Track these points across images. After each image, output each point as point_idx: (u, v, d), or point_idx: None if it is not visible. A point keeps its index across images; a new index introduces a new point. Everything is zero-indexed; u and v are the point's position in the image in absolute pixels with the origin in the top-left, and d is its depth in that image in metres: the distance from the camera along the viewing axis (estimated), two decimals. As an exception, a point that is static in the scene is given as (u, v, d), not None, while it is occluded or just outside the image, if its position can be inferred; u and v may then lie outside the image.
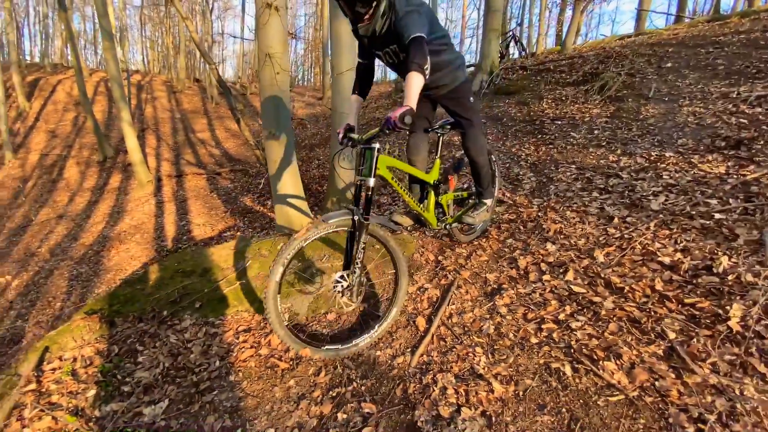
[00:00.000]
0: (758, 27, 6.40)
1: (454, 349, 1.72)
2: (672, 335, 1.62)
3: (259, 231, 5.21)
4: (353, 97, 2.03)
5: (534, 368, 1.58)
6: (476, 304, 1.98)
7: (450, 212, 2.42)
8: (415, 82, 1.54)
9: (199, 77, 20.65)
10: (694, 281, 1.88)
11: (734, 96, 4.20)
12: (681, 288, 1.87)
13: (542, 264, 2.21)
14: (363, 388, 1.62)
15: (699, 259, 2.00)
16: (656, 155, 3.45)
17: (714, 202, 2.51)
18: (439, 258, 2.45)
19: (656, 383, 1.43)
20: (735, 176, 2.78)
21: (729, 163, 3.00)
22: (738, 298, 1.69)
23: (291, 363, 1.83)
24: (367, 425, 1.44)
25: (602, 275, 2.02)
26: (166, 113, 16.23)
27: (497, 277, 2.18)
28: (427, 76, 1.58)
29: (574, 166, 3.69)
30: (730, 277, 1.82)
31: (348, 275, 1.76)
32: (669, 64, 5.58)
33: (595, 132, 4.38)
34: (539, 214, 2.86)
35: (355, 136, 1.82)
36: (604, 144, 4.03)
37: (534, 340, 1.70)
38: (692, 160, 3.21)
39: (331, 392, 1.63)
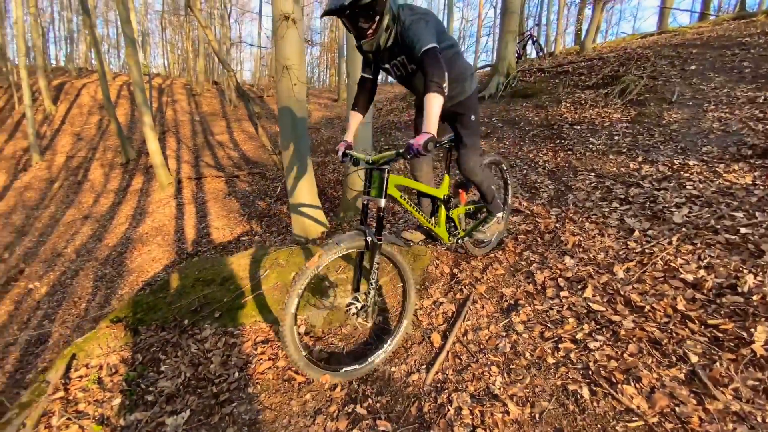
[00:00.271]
0: (790, 25, 6.15)
1: (470, 368, 1.72)
2: (694, 358, 1.58)
3: (276, 236, 5.29)
4: (352, 113, 1.99)
5: (551, 390, 1.56)
6: (492, 321, 1.97)
7: (462, 226, 2.40)
8: (435, 103, 1.49)
9: (217, 80, 21.03)
10: (718, 301, 1.83)
11: (761, 101, 4.05)
12: (704, 308, 1.82)
13: (560, 279, 2.18)
14: (378, 405, 1.64)
15: (723, 277, 1.95)
16: (679, 163, 3.35)
17: (740, 215, 2.43)
18: (454, 271, 2.44)
19: (677, 409, 1.40)
20: (762, 187, 2.69)
21: (756, 173, 2.90)
22: (763, 320, 1.64)
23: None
24: (382, 444, 1.45)
25: (622, 292, 1.98)
26: (186, 116, 16.60)
27: (514, 292, 2.16)
28: (446, 93, 1.54)
29: (593, 174, 3.63)
30: (755, 297, 1.76)
31: (362, 296, 1.76)
32: (693, 67, 5.41)
33: (616, 138, 4.29)
34: (557, 225, 2.82)
35: (358, 154, 1.79)
36: (624, 151, 3.94)
37: (551, 360, 1.69)
38: (717, 169, 3.12)
39: (346, 408, 1.65)
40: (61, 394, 1.94)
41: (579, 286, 2.10)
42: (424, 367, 1.79)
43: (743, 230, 2.26)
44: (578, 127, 4.88)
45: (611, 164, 3.74)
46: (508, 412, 1.49)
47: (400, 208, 4.19)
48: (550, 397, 1.53)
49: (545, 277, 2.23)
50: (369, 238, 1.69)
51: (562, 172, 3.87)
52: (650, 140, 4.02)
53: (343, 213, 4.17)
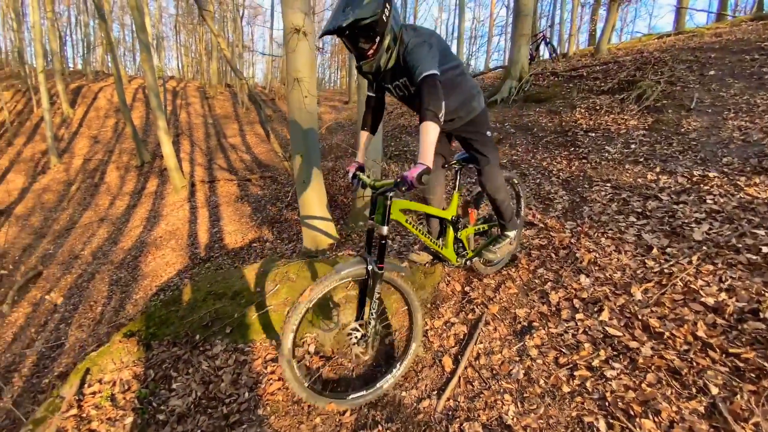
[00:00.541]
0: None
1: (482, 395, 1.69)
2: (715, 390, 1.53)
3: (287, 243, 5.31)
4: (362, 132, 1.95)
5: (566, 421, 1.52)
6: (505, 344, 1.93)
7: (471, 247, 2.35)
8: (431, 133, 1.44)
9: (230, 82, 21.25)
10: (739, 327, 1.76)
11: (786, 108, 3.91)
12: (725, 334, 1.75)
13: (575, 300, 2.13)
14: None
15: (745, 301, 1.88)
16: (699, 175, 3.26)
17: (762, 233, 2.34)
18: (466, 289, 2.41)
19: (698, 446, 1.35)
20: (788, 204, 2.59)
21: (780, 188, 2.79)
22: (787, 349, 1.57)
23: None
24: (392, 474, 1.43)
25: (640, 316, 1.92)
26: (199, 119, 16.82)
27: (527, 313, 2.12)
28: (443, 123, 1.50)
29: (609, 185, 3.54)
30: (778, 325, 1.69)
31: (363, 326, 1.72)
32: (712, 72, 5.26)
33: (632, 146, 4.19)
34: (572, 240, 2.76)
35: (365, 178, 1.77)
36: (641, 160, 3.85)
37: (566, 389, 1.64)
38: (738, 182, 3.02)
39: (356, 434, 1.64)
40: (74, 411, 1.97)
41: (595, 308, 2.04)
42: (435, 392, 1.76)
43: (765, 249, 2.18)
44: (593, 134, 4.78)
45: (628, 174, 3.65)
46: (521, 445, 1.45)
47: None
48: (565, 429, 1.49)
49: (560, 298, 2.18)
50: (370, 267, 1.65)
51: (576, 182, 3.80)
52: (668, 149, 3.91)
53: (353, 222, 4.16)
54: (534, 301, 2.21)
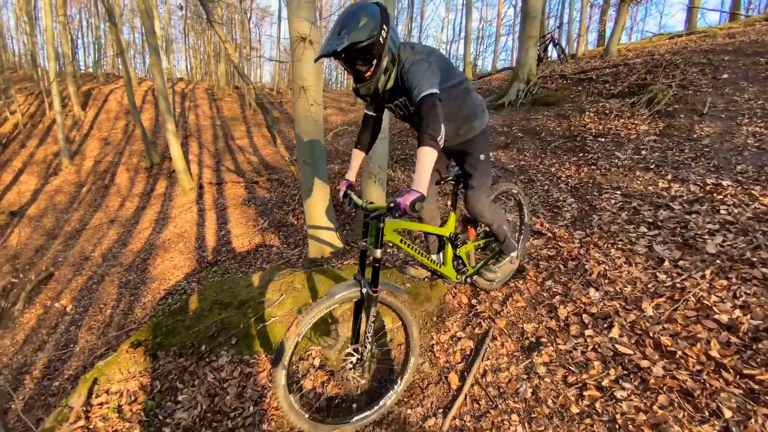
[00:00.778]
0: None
1: (489, 414, 1.66)
2: (728, 413, 1.48)
3: (293, 248, 5.32)
4: (355, 151, 1.89)
5: (575, 444, 1.49)
6: (512, 361, 1.90)
7: (471, 263, 2.29)
8: (428, 158, 1.40)
9: (238, 84, 21.39)
10: (754, 346, 1.71)
11: (804, 114, 3.82)
12: (739, 354, 1.70)
13: (584, 315, 2.09)
14: (393, 451, 1.60)
15: (760, 319, 1.83)
16: (712, 184, 3.19)
17: (779, 246, 2.28)
18: (473, 302, 2.38)
19: (713, 474, 1.31)
20: (806, 215, 2.52)
21: (797, 198, 2.72)
22: (804, 372, 1.53)
23: (319, 408, 1.84)
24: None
25: (651, 333, 1.88)
26: (208, 120, 16.97)
27: (535, 328, 2.08)
28: (441, 145, 1.45)
29: (619, 193, 3.49)
30: (794, 345, 1.64)
31: (358, 349, 1.68)
32: (725, 75, 5.15)
33: (643, 152, 4.12)
34: (581, 251, 2.72)
35: (357, 199, 1.72)
36: (652, 167, 3.78)
37: (575, 410, 1.61)
38: (752, 191, 2.94)
39: (361, 452, 1.62)
40: (82, 423, 1.98)
41: (605, 324, 2.00)
42: (441, 411, 1.74)
43: (782, 264, 2.12)
44: (603, 140, 4.71)
45: (638, 182, 3.59)
46: (529, 469, 1.42)
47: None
48: (574, 452, 1.46)
49: (569, 312, 2.14)
50: (364, 290, 1.60)
51: (585, 189, 3.74)
52: (680, 156, 3.84)
53: (359, 229, 4.15)
54: (542, 315, 2.17)
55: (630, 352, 1.81)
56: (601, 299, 2.18)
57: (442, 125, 1.44)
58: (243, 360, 2.28)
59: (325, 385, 1.98)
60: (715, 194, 3.03)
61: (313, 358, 2.15)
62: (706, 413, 1.51)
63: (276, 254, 5.46)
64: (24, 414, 3.92)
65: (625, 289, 2.23)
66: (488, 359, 1.95)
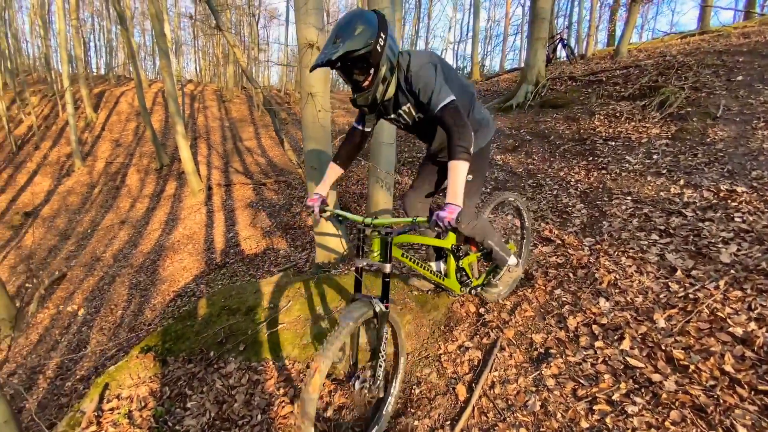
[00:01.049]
0: None
1: (497, 427, 1.65)
2: (742, 431, 1.45)
3: (301, 251, 5.34)
4: (333, 165, 1.80)
5: (584, 460, 1.47)
6: (521, 373, 1.89)
7: (474, 274, 2.27)
8: (462, 172, 1.38)
9: (246, 85, 21.54)
10: (770, 362, 1.67)
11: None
12: (755, 369, 1.67)
13: (594, 326, 2.06)
14: (401, 463, 1.60)
15: (777, 333, 1.79)
16: (726, 190, 3.13)
17: (797, 256, 2.23)
18: (481, 311, 2.36)
19: (727, 495, 1.28)
20: (824, 224, 2.46)
21: (815, 206, 2.66)
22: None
23: (328, 425, 1.84)
24: None
25: (663, 346, 1.85)
26: (216, 122, 17.11)
27: (544, 338, 2.06)
28: (439, 151, 1.44)
29: (629, 198, 3.44)
30: (811, 361, 1.60)
31: (368, 371, 1.62)
32: (740, 77, 5.05)
33: (654, 156, 4.06)
34: (591, 259, 2.69)
35: (354, 216, 1.61)
36: (664, 172, 3.72)
37: (585, 425, 1.59)
38: (769, 198, 2.88)
39: (368, 464, 1.62)
40: (94, 428, 2.01)
41: (615, 336, 1.98)
42: (449, 423, 1.73)
43: (800, 275, 2.07)
44: (613, 143, 4.66)
45: (649, 187, 3.54)
46: (537, 485, 1.41)
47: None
48: (584, 469, 1.44)
49: (578, 323, 2.11)
50: (378, 308, 1.54)
51: (595, 195, 3.70)
52: (693, 161, 3.77)
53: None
54: (551, 325, 2.15)
55: (641, 365, 1.78)
56: (612, 309, 2.16)
57: (472, 133, 1.41)
58: (251, 367, 2.29)
59: (333, 394, 1.99)
60: (729, 201, 2.98)
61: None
62: (720, 430, 1.47)
63: (284, 257, 5.49)
64: (37, 413, 3.99)
65: (636, 299, 2.20)
66: (496, 370, 1.93)
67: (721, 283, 2.15)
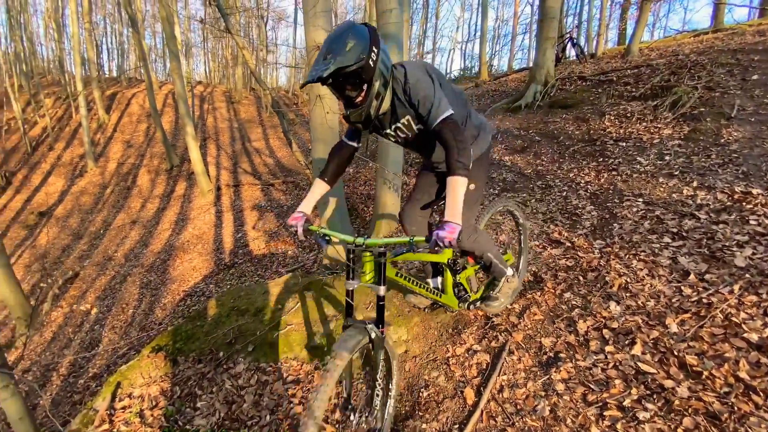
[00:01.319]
0: None
1: (506, 432, 1.64)
2: (758, 440, 1.43)
3: (308, 252, 5.36)
4: (318, 181, 1.71)
5: (595, 467, 1.45)
6: (530, 377, 1.87)
7: (473, 287, 2.22)
8: (461, 188, 1.34)
9: (254, 86, 21.72)
10: (787, 368, 1.64)
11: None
12: (771, 376, 1.63)
13: (605, 330, 2.04)
14: (409, 466, 1.59)
15: (794, 339, 1.75)
16: (741, 192, 3.07)
17: (815, 260, 2.18)
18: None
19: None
20: (843, 227, 2.40)
21: (834, 209, 2.59)
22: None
23: (337, 427, 1.85)
24: None
25: (675, 352, 1.82)
26: (225, 123, 17.27)
27: (553, 342, 2.04)
28: (437, 163, 1.39)
29: (641, 200, 3.39)
30: (830, 369, 1.56)
31: (364, 407, 1.55)
32: (755, 77, 4.95)
33: (666, 158, 4.00)
34: (601, 261, 2.66)
35: (344, 236, 1.51)
36: (676, 173, 3.66)
37: (595, 430, 1.57)
38: (786, 200, 2.82)
39: (376, 466, 1.62)
40: (106, 426, 2.04)
41: (626, 341, 1.95)
42: (457, 426, 1.72)
43: (818, 280, 2.02)
44: (624, 144, 4.60)
45: (661, 189, 3.48)
46: (547, 491, 1.40)
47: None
48: (594, 476, 1.43)
49: (588, 327, 2.09)
50: (373, 335, 1.46)
51: (606, 196, 3.66)
52: (706, 162, 3.71)
53: (375, 234, 4.15)
54: (561, 329, 2.13)
55: (653, 370, 1.76)
56: (623, 313, 2.13)
57: (471, 149, 1.38)
58: (260, 368, 2.31)
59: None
60: (744, 203, 2.92)
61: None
62: (735, 438, 1.45)
63: (291, 258, 5.52)
64: (51, 410, 4.07)
65: (647, 303, 2.17)
66: (505, 374, 1.92)
67: (736, 287, 2.11)
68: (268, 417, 1.98)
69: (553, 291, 2.45)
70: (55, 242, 10.18)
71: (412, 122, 1.57)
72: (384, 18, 3.46)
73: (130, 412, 2.13)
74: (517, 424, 1.67)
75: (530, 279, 2.65)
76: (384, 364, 1.53)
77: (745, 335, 1.82)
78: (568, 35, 10.53)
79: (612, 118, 5.35)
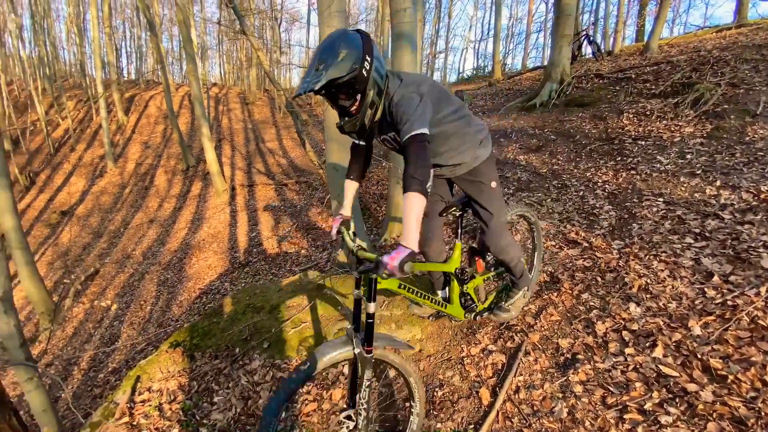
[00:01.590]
0: None
1: (522, 433, 1.62)
2: (789, 446, 1.37)
3: (322, 251, 5.39)
4: (348, 182, 1.74)
5: (615, 471, 1.42)
6: (547, 378, 1.84)
7: (481, 297, 2.14)
8: (416, 207, 1.24)
9: (268, 87, 21.96)
10: (817, 374, 1.58)
11: None
12: (801, 381, 1.57)
13: (624, 332, 2.00)
14: (424, 465, 1.59)
15: (825, 343, 1.68)
16: (767, 191, 2.96)
17: None
18: (505, 313, 2.32)
19: None
20: None
21: None
22: None
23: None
24: None
25: (699, 355, 1.77)
26: (240, 124, 17.51)
27: (571, 344, 2.01)
28: (429, 192, 1.30)
29: (661, 200, 3.31)
30: None
31: (354, 415, 1.47)
32: (783, 72, 4.79)
33: (688, 156, 3.89)
34: (620, 262, 2.60)
35: (349, 240, 1.51)
36: (699, 172, 3.56)
37: (615, 434, 1.54)
38: (816, 200, 2.72)
39: (391, 464, 1.62)
40: (126, 419, 2.09)
41: (647, 343, 1.90)
42: (472, 426, 1.71)
43: None
44: (643, 143, 4.49)
45: (683, 188, 3.39)
46: (565, 494, 1.37)
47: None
48: (615, 480, 1.40)
49: (607, 328, 2.05)
50: (357, 350, 1.40)
51: (624, 196, 3.58)
52: (730, 160, 3.60)
53: (387, 234, 4.15)
54: (578, 330, 2.09)
55: (675, 374, 1.71)
56: (643, 315, 2.08)
57: (431, 171, 1.31)
58: (275, 364, 2.33)
59: None
60: (770, 203, 2.82)
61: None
62: (762, 445, 1.40)
63: (305, 257, 5.56)
64: (72, 402, 4.18)
65: (669, 305, 2.11)
66: (521, 375, 1.89)
67: (763, 289, 2.04)
68: (283, 414, 1.99)
69: (570, 292, 2.41)
70: (76, 240, 10.48)
71: (397, 137, 1.54)
72: (398, 17, 3.46)
73: (150, 405, 2.17)
74: (534, 425, 1.64)
75: (546, 279, 2.62)
76: (369, 385, 1.43)
77: (772, 339, 1.76)
78: (584, 32, 10.35)
79: (630, 116, 5.24)
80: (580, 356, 1.93)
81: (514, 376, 1.89)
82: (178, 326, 5.08)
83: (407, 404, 1.67)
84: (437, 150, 1.70)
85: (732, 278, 2.18)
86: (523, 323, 2.21)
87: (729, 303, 2.02)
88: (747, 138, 3.87)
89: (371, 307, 1.39)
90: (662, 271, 2.41)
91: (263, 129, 16.92)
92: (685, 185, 3.43)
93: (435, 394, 1.94)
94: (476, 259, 2.08)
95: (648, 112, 5.11)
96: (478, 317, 2.06)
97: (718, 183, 3.30)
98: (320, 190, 8.55)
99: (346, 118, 1.44)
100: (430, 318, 2.18)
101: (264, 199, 9.86)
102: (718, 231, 2.66)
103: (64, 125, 16.97)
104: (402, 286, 1.61)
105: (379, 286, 1.43)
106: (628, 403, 1.64)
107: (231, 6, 4.82)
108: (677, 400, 1.61)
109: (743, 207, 2.86)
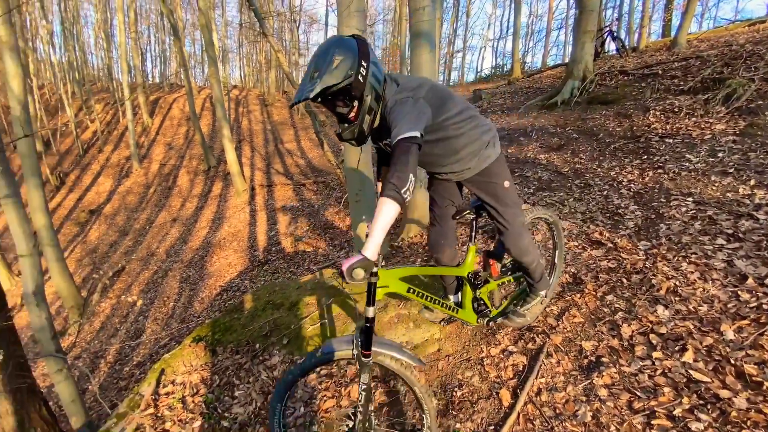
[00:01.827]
0: None
1: (544, 436, 1.58)
2: (830, 457, 1.30)
3: (339, 250, 5.43)
4: (380, 184, 1.72)
5: (642, 477, 1.38)
6: (570, 381, 1.80)
7: (495, 302, 2.09)
8: (386, 215, 1.20)
9: (287, 89, 22.28)
10: None
11: None
12: None
13: (652, 335, 1.93)
14: (443, 465, 1.57)
15: None
16: (806, 190, 2.82)
17: None
18: (526, 314, 2.28)
19: None
20: None
21: None
22: None
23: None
24: None
25: (732, 360, 1.69)
26: (259, 125, 17.82)
27: (595, 346, 1.95)
28: (407, 200, 1.25)
29: (690, 200, 3.19)
30: None
31: (353, 416, 1.47)
32: (824, 65, 4.54)
33: (719, 155, 3.74)
34: (646, 263, 2.51)
35: (361, 233, 1.52)
36: (731, 171, 3.41)
37: (642, 439, 1.49)
38: None
39: (410, 463, 1.61)
40: (151, 410, 2.15)
41: (676, 347, 1.83)
42: (492, 428, 1.68)
43: None
44: (671, 141, 4.34)
45: (714, 188, 3.26)
46: (590, 500, 1.34)
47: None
48: (642, 487, 1.35)
49: (633, 331, 1.98)
50: (356, 352, 1.37)
51: (651, 196, 3.46)
52: (765, 159, 3.43)
53: (405, 233, 4.14)
54: (603, 333, 2.03)
55: (707, 379, 1.64)
56: (672, 318, 2.00)
57: (411, 176, 1.25)
58: (294, 360, 2.36)
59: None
60: (809, 203, 2.68)
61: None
62: (802, 455, 1.33)
63: (323, 256, 5.60)
64: (99, 394, 4.34)
65: (700, 308, 2.03)
66: (543, 377, 1.85)
67: (802, 293, 1.94)
68: (302, 409, 2.02)
69: (594, 293, 2.35)
70: (103, 238, 10.87)
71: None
72: (417, 16, 3.45)
73: (173, 398, 2.23)
74: (556, 428, 1.60)
75: (569, 281, 2.55)
76: (365, 389, 1.41)
77: (813, 345, 1.67)
78: (608, 29, 10.08)
79: (657, 113, 5.07)
80: (604, 359, 1.87)
81: (536, 377, 1.85)
82: (199, 322, 5.20)
83: (417, 414, 1.62)
84: (440, 155, 1.65)
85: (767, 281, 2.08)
86: (544, 324, 2.17)
87: (764, 307, 1.92)
88: (783, 135, 3.69)
89: (370, 312, 1.35)
90: (692, 273, 2.32)
91: (282, 130, 17.16)
92: (716, 184, 3.30)
93: (454, 394, 1.92)
94: (491, 262, 2.02)
95: (676, 109, 4.93)
96: (491, 323, 2.00)
97: (752, 182, 3.15)
98: (338, 190, 8.60)
99: (345, 125, 1.41)
100: (442, 323, 2.14)
101: (282, 199, 9.99)
102: (753, 232, 2.54)
103: (93, 127, 17.63)
104: (411, 291, 1.57)
105: (388, 291, 1.39)
106: (656, 409, 1.58)
107: (252, 8, 4.90)
108: (709, 407, 1.55)
109: (780, 207, 2.72)
